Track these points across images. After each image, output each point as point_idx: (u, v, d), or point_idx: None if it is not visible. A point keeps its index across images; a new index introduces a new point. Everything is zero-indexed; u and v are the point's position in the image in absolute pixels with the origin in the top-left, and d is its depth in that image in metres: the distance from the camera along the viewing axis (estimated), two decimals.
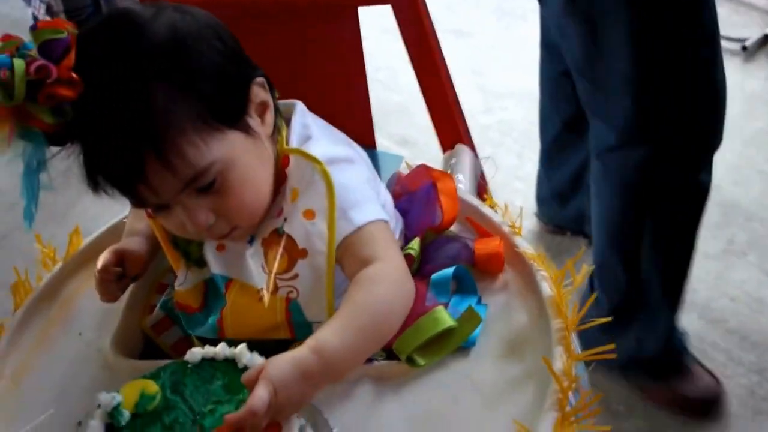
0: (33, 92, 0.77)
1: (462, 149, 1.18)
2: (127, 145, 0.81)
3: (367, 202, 0.93)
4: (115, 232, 1.13)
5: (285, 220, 0.91)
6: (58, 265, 1.10)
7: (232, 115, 0.87)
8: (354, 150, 1.00)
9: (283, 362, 0.77)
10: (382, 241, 0.91)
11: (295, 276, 0.90)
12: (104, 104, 0.81)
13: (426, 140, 2.40)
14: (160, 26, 0.84)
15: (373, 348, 0.87)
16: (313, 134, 0.96)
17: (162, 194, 0.85)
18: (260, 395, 0.72)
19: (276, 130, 0.94)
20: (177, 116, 0.82)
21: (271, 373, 0.75)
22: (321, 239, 0.89)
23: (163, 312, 1.02)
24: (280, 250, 0.91)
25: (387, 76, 2.64)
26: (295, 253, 0.90)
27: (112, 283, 0.97)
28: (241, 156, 0.87)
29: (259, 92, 0.91)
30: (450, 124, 1.22)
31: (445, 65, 1.21)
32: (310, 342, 0.80)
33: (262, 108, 0.91)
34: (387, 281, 0.88)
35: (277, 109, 0.94)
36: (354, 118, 1.07)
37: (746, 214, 2.12)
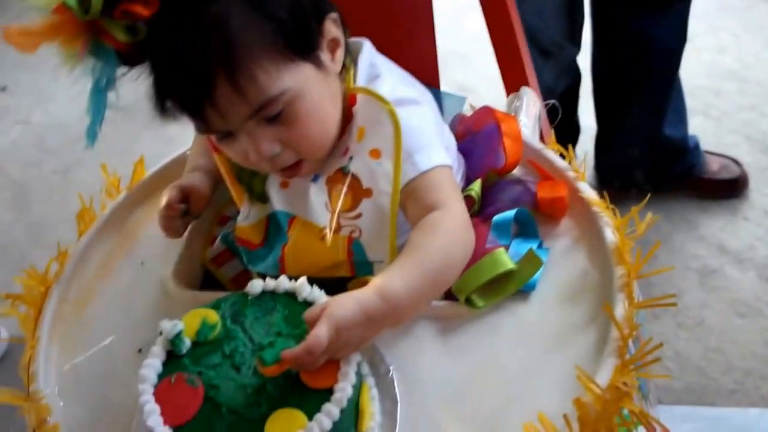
0: (109, 7, 0.77)
1: (527, 92, 1.16)
2: (198, 65, 0.81)
3: (432, 146, 0.92)
4: (178, 164, 1.14)
5: (351, 158, 0.91)
6: (122, 195, 1.11)
7: (305, 46, 0.86)
8: (420, 91, 0.99)
9: (347, 302, 0.77)
10: (446, 187, 0.90)
11: (359, 215, 0.90)
12: (179, 23, 0.80)
13: (485, 88, 2.38)
14: None
15: (433, 295, 0.86)
16: (381, 73, 0.96)
17: (229, 119, 0.84)
18: (318, 334, 0.72)
19: (344, 68, 0.93)
20: (251, 40, 0.81)
21: (334, 312, 0.75)
22: (386, 179, 0.89)
23: (223, 245, 1.02)
24: (345, 188, 0.90)
25: (448, 22, 2.60)
26: (359, 193, 0.90)
27: (176, 219, 0.98)
28: (311, 88, 0.86)
29: (332, 28, 0.90)
30: (516, 65, 1.19)
31: (514, 4, 1.18)
32: (374, 284, 0.80)
33: (334, 44, 0.90)
34: (450, 229, 0.87)
35: (347, 47, 0.93)
36: (419, 58, 1.05)
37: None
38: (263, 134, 0.86)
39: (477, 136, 1.00)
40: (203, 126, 0.87)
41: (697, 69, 2.37)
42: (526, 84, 1.18)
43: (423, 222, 0.87)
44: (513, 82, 1.20)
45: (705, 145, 2.05)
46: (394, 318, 0.81)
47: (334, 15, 0.90)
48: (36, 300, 0.97)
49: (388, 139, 0.89)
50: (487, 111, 1.02)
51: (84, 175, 2.40)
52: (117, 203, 1.10)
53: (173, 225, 0.98)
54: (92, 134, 0.84)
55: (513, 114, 1.12)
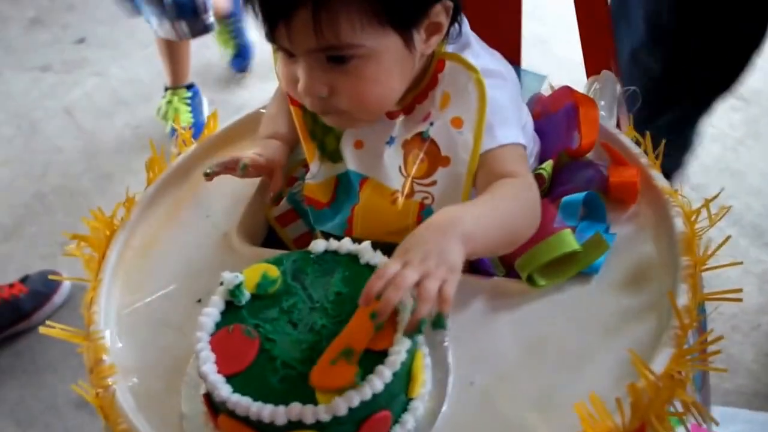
0: None
1: (608, 76, 1.14)
2: None
3: (511, 123, 0.91)
4: (249, 121, 1.15)
5: (431, 124, 0.90)
6: (192, 147, 1.12)
7: (401, 20, 0.85)
8: (506, 66, 0.97)
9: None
10: (521, 162, 0.90)
11: (434, 183, 0.89)
12: None
13: (561, 74, 2.34)
14: None
15: (497, 240, 0.84)
16: (471, 42, 0.94)
17: (295, 45, 0.84)
18: (387, 263, 0.73)
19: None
20: None
21: (403, 243, 0.76)
22: (465, 149, 0.88)
23: (289, 204, 1.03)
24: (422, 154, 0.90)
25: (531, 4, 2.57)
26: (437, 160, 0.89)
27: (239, 168, 0.97)
28: (387, 58, 0.85)
29: (440, 14, 0.87)
30: (600, 47, 1.17)
31: None
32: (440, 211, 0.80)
33: (434, 28, 0.88)
34: (522, 194, 0.87)
35: (451, 31, 0.91)
36: (503, 34, 1.04)
37: None
38: (320, 72, 0.85)
39: (554, 116, 0.99)
40: (270, 36, 0.86)
41: None
42: (608, 68, 1.15)
43: (501, 181, 0.87)
44: (595, 64, 1.17)
45: None
46: (459, 234, 0.76)
47: (449, 3, 0.87)
48: (101, 243, 0.99)
49: (472, 108, 0.88)
50: (566, 91, 1.01)
51: (154, 131, 2.43)
52: (186, 155, 1.11)
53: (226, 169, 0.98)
54: None
55: (592, 97, 1.10)
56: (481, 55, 0.94)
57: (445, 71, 0.90)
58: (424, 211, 0.90)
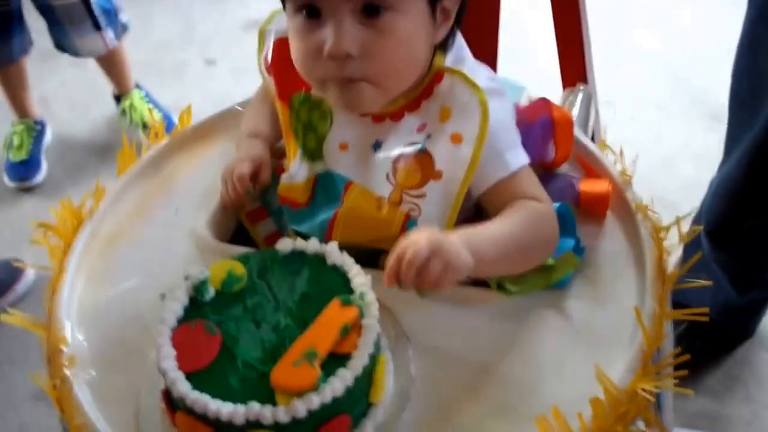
0: None
1: (584, 89, 1.14)
2: None
3: (516, 143, 0.91)
4: (223, 118, 1.14)
5: (429, 137, 0.89)
6: (165, 141, 1.11)
7: None
8: (499, 82, 0.95)
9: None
10: (537, 184, 0.90)
11: (423, 195, 0.88)
12: None
13: (538, 87, 2.35)
14: None
15: (510, 270, 0.86)
16: (466, 57, 0.94)
17: None
18: (416, 240, 0.75)
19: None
20: None
21: (437, 233, 0.77)
22: (461, 166, 0.87)
23: (259, 202, 1.02)
24: (414, 164, 0.88)
25: (507, 14, 2.59)
26: (429, 173, 0.88)
27: (244, 192, 0.97)
28: (416, 19, 0.84)
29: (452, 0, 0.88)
30: (576, 60, 1.18)
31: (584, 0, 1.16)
32: (460, 234, 0.80)
33: (445, 15, 0.88)
34: (542, 222, 0.87)
35: (452, 32, 0.91)
36: (480, 39, 1.04)
37: None
38: (353, 28, 0.82)
39: (530, 127, 0.98)
40: None
41: None
42: (584, 81, 1.16)
43: (518, 203, 0.87)
44: (571, 77, 1.18)
45: None
46: (469, 245, 0.79)
47: None
48: (68, 232, 0.97)
49: (473, 126, 0.87)
50: (543, 103, 1.00)
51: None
52: (158, 148, 1.10)
53: (239, 199, 0.98)
54: None
55: (567, 109, 1.10)
56: (477, 70, 0.93)
57: (443, 85, 0.89)
58: (409, 223, 0.89)
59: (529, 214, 0.87)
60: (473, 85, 0.88)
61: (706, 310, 0.84)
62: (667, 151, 2.27)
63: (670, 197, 2.07)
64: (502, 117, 0.90)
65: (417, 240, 0.75)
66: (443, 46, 0.90)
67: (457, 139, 0.87)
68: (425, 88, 0.90)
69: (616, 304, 0.86)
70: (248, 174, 0.97)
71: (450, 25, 0.89)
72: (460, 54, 0.93)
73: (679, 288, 0.88)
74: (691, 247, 1.50)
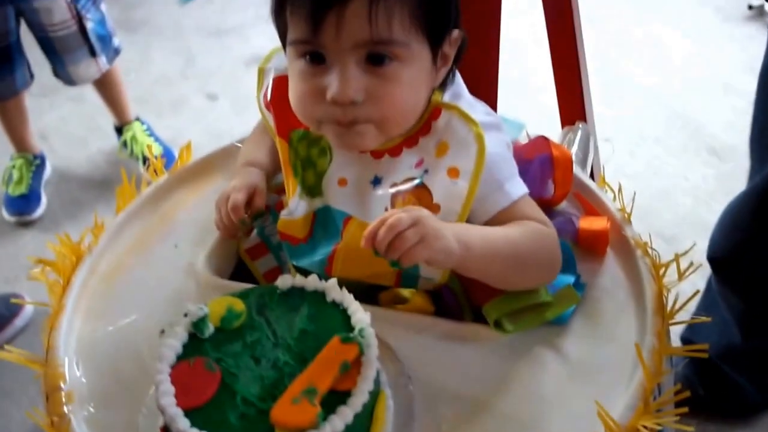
0: None
1: (582, 126, 1.15)
2: None
3: (515, 173, 0.92)
4: (222, 154, 1.15)
5: (426, 171, 0.89)
6: (164, 177, 1.11)
7: (436, 31, 0.86)
8: (496, 117, 0.96)
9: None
10: (538, 210, 0.91)
11: None
12: None
13: (537, 121, 2.37)
14: None
15: (501, 274, 0.86)
16: (463, 93, 0.95)
17: (342, 39, 0.82)
18: (398, 214, 0.77)
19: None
20: None
21: (421, 210, 0.79)
22: (458, 199, 0.87)
23: (259, 238, 1.02)
24: (413, 198, 0.89)
25: (507, 50, 2.61)
26: (427, 206, 0.87)
27: (240, 222, 0.97)
28: (420, 67, 0.86)
29: (453, 44, 0.89)
30: (575, 98, 1.19)
31: (581, 37, 1.17)
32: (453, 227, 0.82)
33: (444, 59, 0.89)
34: (541, 238, 0.88)
35: (450, 73, 0.92)
36: (480, 79, 1.05)
37: None
38: (358, 75, 0.83)
39: (529, 164, 0.99)
40: (310, 34, 0.83)
41: None
42: (583, 119, 1.17)
43: (520, 221, 0.88)
44: (569, 115, 1.19)
45: None
46: (456, 233, 0.80)
47: (459, 33, 0.89)
48: (66, 269, 0.97)
49: (470, 160, 0.87)
50: (542, 141, 1.01)
51: (127, 159, 2.43)
52: (158, 184, 1.10)
53: (234, 228, 0.98)
54: None
55: (566, 146, 1.11)
56: (474, 105, 0.94)
57: (440, 121, 0.90)
58: None
59: (530, 228, 0.87)
60: (469, 119, 0.88)
61: (705, 346, 0.84)
62: (664, 185, 2.28)
63: (667, 231, 2.08)
64: (499, 149, 0.90)
65: (404, 210, 0.78)
66: (442, 85, 0.92)
67: (454, 173, 0.88)
68: (423, 124, 0.90)
69: (616, 341, 0.86)
70: (242, 202, 0.97)
71: (449, 67, 0.90)
72: (457, 90, 0.94)
73: (688, 326, 0.88)
74: (709, 284, 1.51)
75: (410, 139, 0.91)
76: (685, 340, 1.54)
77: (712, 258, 1.45)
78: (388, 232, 0.76)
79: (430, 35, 0.85)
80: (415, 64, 0.85)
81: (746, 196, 1.34)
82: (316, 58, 0.85)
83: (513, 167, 0.92)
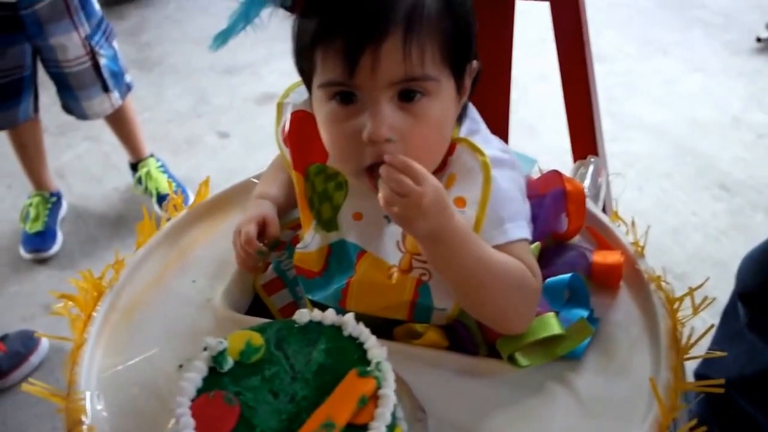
0: None
1: (594, 161, 1.17)
2: (384, 10, 0.81)
3: (521, 216, 0.91)
4: (242, 189, 1.16)
5: None
6: (183, 212, 1.13)
7: (458, 68, 0.88)
8: (512, 155, 0.97)
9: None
10: (530, 257, 0.90)
11: None
12: None
13: (546, 159, 2.39)
14: None
15: (465, 289, 0.86)
16: (480, 129, 0.96)
17: (379, 74, 0.82)
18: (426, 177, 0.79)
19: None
20: (438, 24, 0.83)
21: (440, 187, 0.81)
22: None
23: (275, 273, 1.03)
24: None
25: (516, 89, 2.64)
26: None
27: (255, 254, 0.99)
28: (447, 100, 0.87)
29: (471, 74, 0.91)
30: (587, 132, 1.20)
31: (593, 73, 1.19)
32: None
33: (462, 91, 0.91)
34: (522, 276, 0.87)
35: (465, 106, 0.94)
36: (492, 113, 1.06)
37: None
38: (391, 114, 0.83)
39: (543, 199, 1.00)
40: (344, 75, 0.83)
41: None
42: (595, 153, 1.18)
43: (517, 261, 0.87)
44: (581, 149, 1.20)
45: None
46: (447, 242, 0.82)
47: (477, 64, 0.91)
48: (88, 304, 0.99)
49: (476, 189, 0.88)
50: (555, 175, 1.02)
51: (142, 197, 2.47)
52: (176, 220, 1.12)
53: (252, 260, 1.00)
54: (224, 39, 0.84)
55: (578, 180, 1.12)
56: (491, 141, 0.95)
57: (455, 155, 0.91)
58: (421, 287, 0.90)
59: (517, 267, 0.86)
60: (477, 149, 0.89)
61: (721, 381, 0.84)
62: (674, 221, 2.28)
63: (678, 268, 2.08)
64: (509, 187, 0.91)
65: (432, 184, 0.80)
66: (458, 119, 0.93)
67: (461, 202, 0.88)
68: (442, 161, 0.92)
69: (630, 376, 0.87)
70: (254, 233, 0.98)
71: (467, 98, 0.92)
72: (475, 126, 0.96)
73: (703, 361, 0.88)
74: (726, 317, 1.50)
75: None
76: (700, 375, 1.54)
77: (741, 293, 1.45)
78: (402, 179, 0.79)
79: (455, 68, 0.87)
80: (443, 97, 0.86)
81: None
82: (346, 98, 0.85)
83: (520, 209, 0.92)
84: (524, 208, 0.94)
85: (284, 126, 1.00)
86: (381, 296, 0.91)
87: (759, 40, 3.01)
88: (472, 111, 0.97)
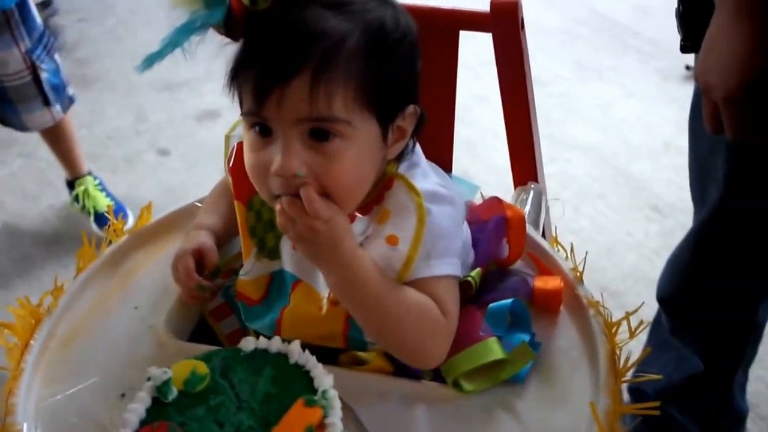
0: None
1: (535, 187, 1.19)
2: (296, 52, 0.82)
3: (451, 253, 0.92)
4: (185, 213, 1.16)
5: (366, 237, 0.91)
6: (124, 238, 1.12)
7: (386, 109, 0.87)
8: (452, 188, 0.98)
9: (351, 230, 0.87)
10: (450, 295, 0.91)
11: None
12: (305, 14, 0.83)
13: (486, 179, 2.43)
14: (395, 11, 0.89)
15: (366, 321, 0.89)
16: (421, 163, 0.96)
17: (284, 111, 0.83)
18: (324, 208, 0.83)
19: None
20: (353, 69, 0.83)
21: (344, 219, 0.85)
22: (398, 261, 0.89)
23: (223, 298, 1.03)
24: None
25: (458, 109, 2.67)
26: None
27: (195, 287, 0.98)
28: (366, 144, 0.87)
29: (408, 118, 0.91)
30: (527, 159, 1.23)
31: (533, 100, 1.21)
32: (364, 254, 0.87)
33: (399, 134, 0.91)
34: (432, 316, 0.88)
35: (406, 148, 0.93)
36: (436, 141, 1.08)
37: None
38: (301, 150, 0.84)
39: (484, 225, 1.02)
40: (256, 106, 0.84)
41: None
42: (535, 179, 1.20)
43: (427, 297, 0.89)
44: (522, 175, 1.22)
45: None
46: (340, 275, 0.86)
47: (416, 109, 0.91)
48: (25, 331, 0.97)
49: (410, 229, 0.88)
50: (496, 202, 1.03)
51: (78, 215, 2.42)
52: (118, 245, 1.11)
53: (196, 293, 0.99)
54: (150, 62, 0.84)
55: (519, 206, 1.14)
56: (429, 175, 0.95)
57: (392, 190, 0.91)
58: (351, 319, 0.91)
59: (424, 305, 0.88)
60: (413, 189, 0.90)
61: (657, 404, 0.86)
62: (609, 241, 2.33)
63: (613, 287, 2.12)
64: (442, 223, 0.91)
65: (332, 209, 0.84)
66: (399, 157, 0.93)
67: (393, 240, 0.89)
68: (377, 194, 0.92)
69: (571, 400, 0.88)
70: (192, 266, 0.98)
71: (406, 141, 0.92)
72: (415, 159, 0.96)
73: (630, 381, 0.90)
74: (654, 327, 1.54)
75: (364, 208, 0.92)
76: (632, 389, 1.58)
77: (661, 299, 1.49)
78: (300, 211, 0.82)
79: (379, 112, 0.86)
80: (360, 141, 0.86)
81: (687, 239, 1.40)
82: (264, 130, 0.86)
83: (452, 246, 0.92)
84: (457, 244, 0.94)
85: (231, 157, 1.00)
86: (313, 327, 0.92)
87: (688, 68, 3.09)
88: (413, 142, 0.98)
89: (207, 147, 2.74)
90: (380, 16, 0.86)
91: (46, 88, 2.17)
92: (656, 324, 1.55)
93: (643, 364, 0.94)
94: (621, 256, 2.27)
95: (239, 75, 0.86)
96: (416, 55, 0.91)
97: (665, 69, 3.19)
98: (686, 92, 2.95)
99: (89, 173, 2.43)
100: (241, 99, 0.89)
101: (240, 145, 0.98)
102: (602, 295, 0.99)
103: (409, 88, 0.90)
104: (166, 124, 2.93)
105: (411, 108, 0.90)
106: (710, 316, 1.42)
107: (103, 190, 2.43)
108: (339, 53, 0.82)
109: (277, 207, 0.84)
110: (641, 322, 0.95)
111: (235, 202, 0.99)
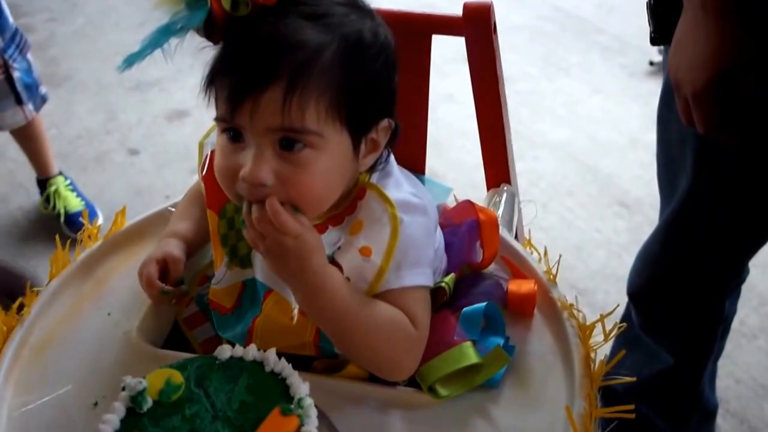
0: None
1: (507, 189, 1.19)
2: (272, 61, 0.81)
3: (423, 264, 0.92)
4: (158, 218, 1.15)
5: (339, 248, 0.91)
6: (97, 243, 1.11)
7: (358, 123, 0.87)
8: (424, 196, 0.97)
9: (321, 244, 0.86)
10: (421, 305, 0.92)
11: None
12: (285, 22, 0.83)
13: (454, 176, 2.44)
14: (374, 23, 0.89)
15: (337, 335, 0.89)
16: (393, 172, 0.96)
17: (256, 120, 0.83)
18: (290, 221, 0.82)
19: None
20: (327, 81, 0.83)
21: (313, 236, 0.85)
22: (371, 272, 0.89)
23: (197, 306, 1.02)
24: None
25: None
26: None
27: (158, 293, 0.98)
28: (336, 156, 0.86)
29: (383, 132, 0.90)
30: (500, 162, 1.23)
31: (506, 103, 1.22)
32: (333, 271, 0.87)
33: (372, 146, 0.90)
34: (402, 330, 0.89)
35: (379, 158, 0.93)
36: (410, 143, 1.08)
37: (761, 298, 2.11)
38: (271, 159, 0.84)
39: (457, 228, 1.02)
40: (229, 113, 0.84)
41: None
42: (507, 182, 1.21)
43: (397, 310, 0.89)
44: (495, 178, 1.23)
45: None
46: (308, 292, 0.86)
47: (390, 122, 0.91)
48: None
49: (383, 241, 0.89)
50: (468, 206, 1.04)
51: (48, 216, 2.40)
52: (91, 251, 1.10)
53: (160, 299, 1.00)
54: (130, 62, 0.83)
55: (492, 209, 1.14)
56: (402, 185, 0.95)
57: (364, 200, 0.91)
58: (321, 330, 0.91)
59: (393, 318, 0.89)
60: (386, 199, 0.90)
61: (632, 406, 0.87)
62: (578, 238, 2.35)
63: (581, 285, 2.14)
64: (414, 233, 0.91)
65: (301, 222, 0.84)
66: (372, 168, 0.93)
67: (366, 252, 0.89)
68: (349, 204, 0.92)
69: (546, 404, 0.89)
70: (155, 274, 0.98)
71: (379, 153, 0.92)
72: (388, 169, 0.96)
73: (605, 384, 0.91)
74: (624, 323, 1.55)
75: (336, 218, 0.92)
76: (604, 388, 1.58)
77: (631, 293, 1.51)
78: (269, 226, 0.82)
79: (352, 125, 0.86)
80: (330, 152, 0.85)
81: (656, 232, 1.41)
82: (235, 136, 0.86)
83: (423, 256, 0.92)
84: (429, 254, 0.94)
85: (204, 165, 0.99)
86: (284, 337, 0.92)
87: (652, 63, 3.14)
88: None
89: (177, 147, 2.73)
90: (358, 29, 0.86)
91: (19, 86, 2.16)
92: (625, 321, 1.56)
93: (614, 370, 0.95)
94: (590, 253, 2.29)
95: (215, 80, 0.86)
96: (394, 69, 0.91)
97: (630, 65, 3.22)
98: (651, 88, 3.01)
99: (60, 173, 2.41)
100: (216, 103, 0.88)
101: (212, 153, 0.97)
102: (576, 298, 1.00)
103: (384, 102, 0.90)
104: (136, 124, 2.90)
105: (385, 122, 0.90)
106: (679, 309, 1.44)
107: (74, 190, 2.41)
108: (314, 65, 0.82)
109: (243, 211, 0.84)
110: (615, 325, 0.96)
111: (208, 211, 0.98)
